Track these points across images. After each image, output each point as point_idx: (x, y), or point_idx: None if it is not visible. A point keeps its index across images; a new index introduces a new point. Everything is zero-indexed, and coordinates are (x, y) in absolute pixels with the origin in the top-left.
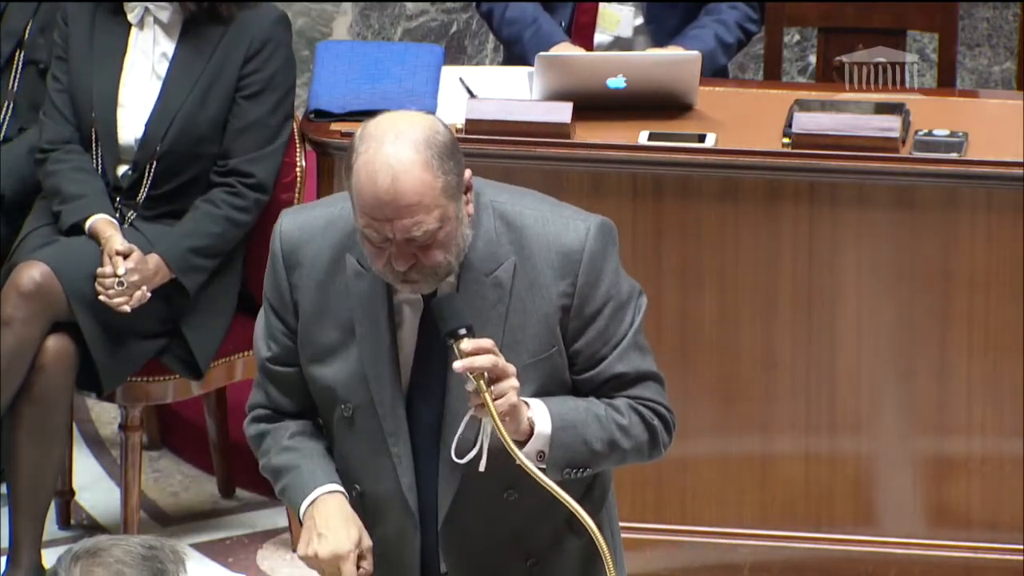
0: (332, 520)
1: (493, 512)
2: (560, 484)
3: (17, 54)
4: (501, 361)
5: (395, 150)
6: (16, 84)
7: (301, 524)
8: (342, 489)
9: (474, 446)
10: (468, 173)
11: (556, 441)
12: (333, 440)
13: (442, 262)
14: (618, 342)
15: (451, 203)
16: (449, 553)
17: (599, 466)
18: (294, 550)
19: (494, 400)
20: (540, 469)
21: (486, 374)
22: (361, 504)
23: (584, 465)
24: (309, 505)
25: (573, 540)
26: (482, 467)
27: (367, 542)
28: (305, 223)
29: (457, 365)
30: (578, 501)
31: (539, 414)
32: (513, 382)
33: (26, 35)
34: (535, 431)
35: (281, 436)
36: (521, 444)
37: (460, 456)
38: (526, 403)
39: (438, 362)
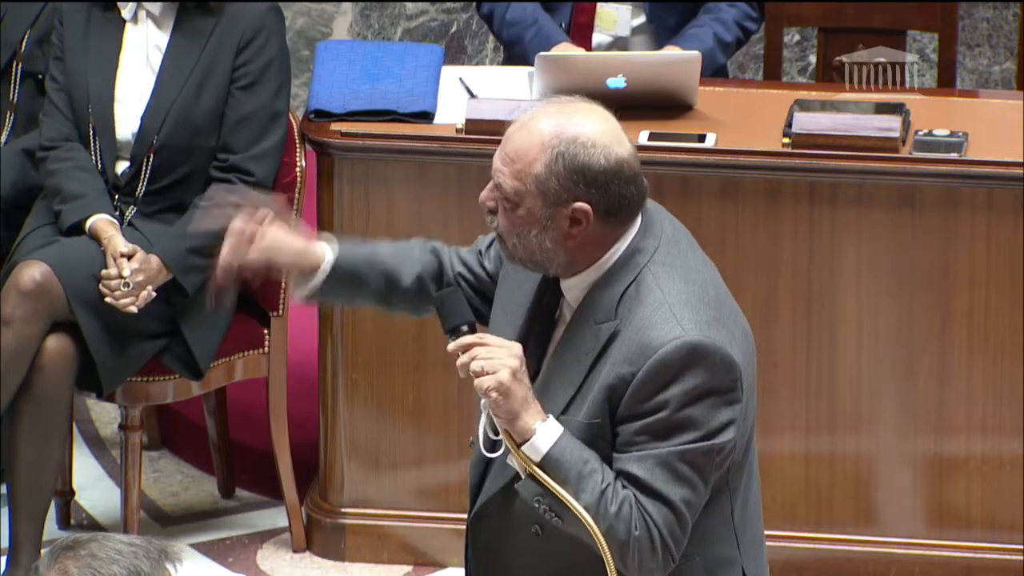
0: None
1: (515, 536)
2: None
3: (15, 65)
4: (482, 359)
5: (548, 118)
6: (16, 95)
7: None
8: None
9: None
10: (584, 208)
11: (544, 466)
12: None
13: (502, 230)
14: (644, 448)
15: (536, 198)
16: (474, 546)
17: (568, 520)
18: (294, 550)
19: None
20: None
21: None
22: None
23: (552, 508)
24: None
25: None
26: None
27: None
28: None
29: (459, 362)
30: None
31: (547, 432)
32: (503, 369)
33: (23, 47)
34: (532, 441)
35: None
36: (519, 445)
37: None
38: (544, 419)
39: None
